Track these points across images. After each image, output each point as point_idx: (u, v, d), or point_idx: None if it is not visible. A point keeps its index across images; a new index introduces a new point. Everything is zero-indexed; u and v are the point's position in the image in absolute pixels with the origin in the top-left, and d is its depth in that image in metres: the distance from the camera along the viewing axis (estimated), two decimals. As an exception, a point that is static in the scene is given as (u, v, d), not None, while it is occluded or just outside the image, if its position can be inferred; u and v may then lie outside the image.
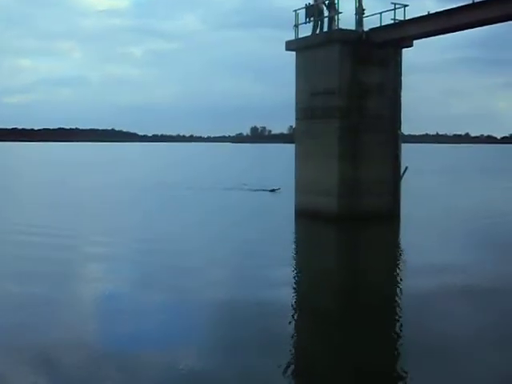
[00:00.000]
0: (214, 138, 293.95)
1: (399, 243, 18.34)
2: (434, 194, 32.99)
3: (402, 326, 9.78)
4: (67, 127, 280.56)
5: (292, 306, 10.82)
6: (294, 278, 13.14)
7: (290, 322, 9.81)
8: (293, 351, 8.60)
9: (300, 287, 12.31)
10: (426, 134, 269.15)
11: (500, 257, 15.87)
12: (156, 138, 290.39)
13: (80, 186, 37.66)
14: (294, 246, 17.49)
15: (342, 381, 7.65)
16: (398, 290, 12.23)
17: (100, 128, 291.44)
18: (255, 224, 21.58)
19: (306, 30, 22.95)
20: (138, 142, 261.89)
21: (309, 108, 22.65)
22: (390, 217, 21.80)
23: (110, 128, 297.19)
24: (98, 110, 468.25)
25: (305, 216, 22.03)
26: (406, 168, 22.19)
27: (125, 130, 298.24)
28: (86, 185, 38.27)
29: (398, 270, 14.07)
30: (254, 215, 24.05)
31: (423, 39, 21.62)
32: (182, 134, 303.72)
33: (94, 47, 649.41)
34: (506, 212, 24.67)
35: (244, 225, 21.37)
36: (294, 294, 11.66)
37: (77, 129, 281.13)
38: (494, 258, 15.63)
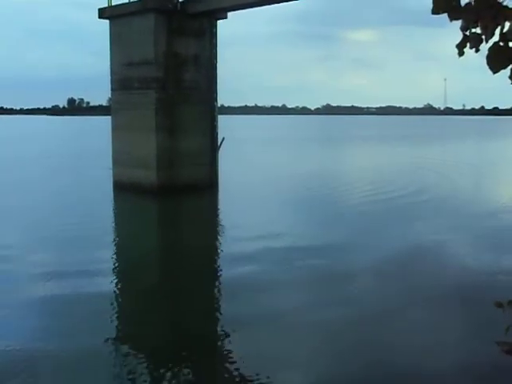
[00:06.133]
0: (28, 110, 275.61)
1: (217, 213, 18.76)
2: (251, 163, 33.92)
3: (221, 295, 10.11)
4: None
5: (112, 287, 10.46)
6: (112, 258, 12.66)
7: (112, 304, 9.56)
8: (120, 333, 8.48)
9: (119, 267, 11.99)
10: (246, 106, 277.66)
11: (317, 221, 16.68)
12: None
13: None
14: (112, 222, 17.03)
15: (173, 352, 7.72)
16: (216, 259, 12.53)
17: None
18: (70, 201, 20.75)
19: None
20: None
21: (125, 79, 22.09)
22: (210, 187, 22.09)
23: None
24: None
25: (124, 189, 21.57)
26: (223, 139, 22.58)
27: None
28: None
29: (216, 240, 14.37)
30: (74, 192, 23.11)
31: (242, 11, 21.86)
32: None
33: None
34: (325, 180, 25.98)
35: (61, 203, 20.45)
36: (112, 276, 11.24)
37: None
38: (311, 223, 16.40)
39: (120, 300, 9.73)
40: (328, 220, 16.88)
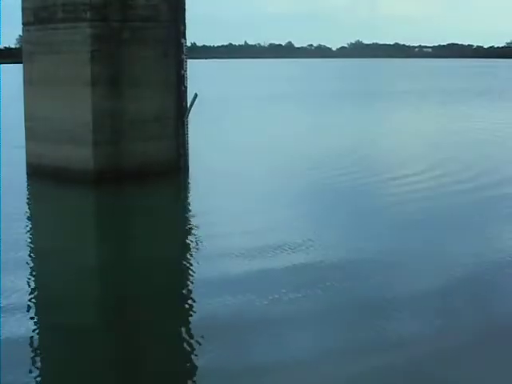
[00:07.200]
0: None
1: (187, 214, 18.36)
2: (240, 134, 33.67)
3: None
4: None
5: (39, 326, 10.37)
6: (25, 293, 12.05)
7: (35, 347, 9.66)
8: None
9: (43, 299, 11.77)
10: (231, 45, 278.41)
11: (344, 228, 16.40)
12: None
13: None
14: (23, 232, 16.27)
15: None
16: (186, 290, 12.30)
17: None
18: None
19: None
20: None
21: (43, 7, 21.62)
22: (175, 172, 21.79)
23: None
24: None
25: (43, 177, 21.22)
26: (196, 96, 22.07)
27: None
28: None
29: (186, 258, 14.05)
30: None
31: None
32: None
33: None
34: (355, 163, 25.37)
35: None
36: (37, 312, 11.07)
37: None
38: (334, 231, 16.04)
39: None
40: (363, 224, 16.60)
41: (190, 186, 21.41)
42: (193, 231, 16.22)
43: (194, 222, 17.17)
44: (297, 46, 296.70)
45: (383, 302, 11.15)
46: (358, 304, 11.08)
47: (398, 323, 10.33)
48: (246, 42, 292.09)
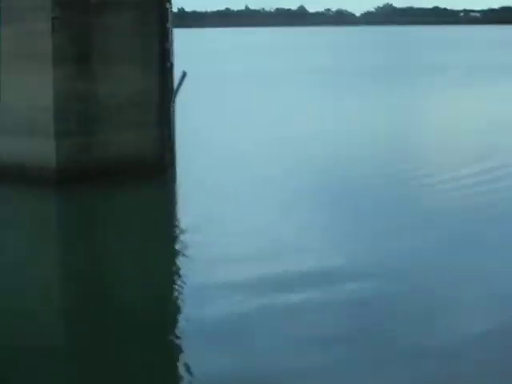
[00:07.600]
0: None
1: (174, 224, 16.82)
2: (238, 121, 31.74)
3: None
4: None
5: None
6: None
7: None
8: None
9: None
10: (228, 10, 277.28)
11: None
12: None
13: None
14: None
15: None
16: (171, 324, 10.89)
17: None
18: None
19: None
20: None
21: None
22: (159, 168, 20.65)
23: None
24: None
25: None
26: (184, 75, 20.34)
27: None
28: None
29: (171, 283, 12.78)
30: None
31: None
32: None
33: None
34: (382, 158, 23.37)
35: None
36: None
37: None
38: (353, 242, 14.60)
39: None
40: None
41: (176, 187, 20.16)
42: (178, 250, 14.64)
43: (181, 237, 15.54)
44: (311, 11, 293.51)
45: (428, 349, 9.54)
46: (391, 349, 9.69)
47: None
48: (246, 6, 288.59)
